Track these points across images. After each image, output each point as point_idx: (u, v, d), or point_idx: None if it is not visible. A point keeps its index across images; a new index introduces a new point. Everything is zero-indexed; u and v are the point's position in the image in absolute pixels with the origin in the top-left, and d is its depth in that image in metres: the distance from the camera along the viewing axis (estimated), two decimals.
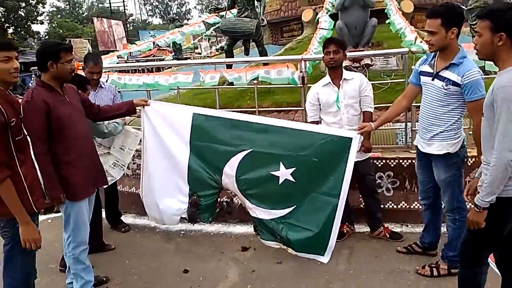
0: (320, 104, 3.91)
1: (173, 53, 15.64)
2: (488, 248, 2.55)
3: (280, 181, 3.41)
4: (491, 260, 2.71)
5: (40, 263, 2.97)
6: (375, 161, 4.34)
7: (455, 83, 2.99)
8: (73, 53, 3.18)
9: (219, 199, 3.63)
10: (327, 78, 3.90)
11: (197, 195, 3.57)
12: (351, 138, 3.35)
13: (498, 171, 2.23)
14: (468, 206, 3.11)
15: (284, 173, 3.41)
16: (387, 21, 7.03)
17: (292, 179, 3.40)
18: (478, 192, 2.39)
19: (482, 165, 2.45)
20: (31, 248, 2.57)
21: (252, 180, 3.47)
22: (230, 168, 3.47)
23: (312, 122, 3.95)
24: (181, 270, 3.75)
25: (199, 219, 3.61)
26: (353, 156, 3.33)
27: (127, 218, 4.95)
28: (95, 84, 4.18)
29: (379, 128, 3.74)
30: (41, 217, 5.17)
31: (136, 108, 3.55)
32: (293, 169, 3.39)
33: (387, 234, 4.06)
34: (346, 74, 3.88)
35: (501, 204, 2.31)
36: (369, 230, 4.17)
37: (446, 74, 3.03)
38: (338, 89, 3.83)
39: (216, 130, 3.55)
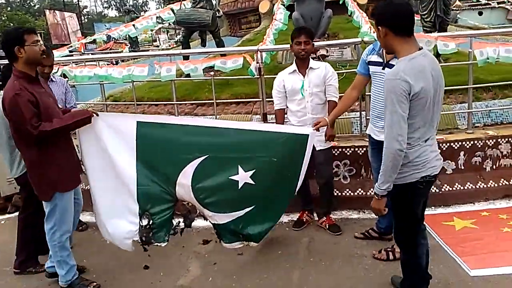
0: (286, 92, 3.95)
1: (130, 46, 15.28)
2: (414, 230, 2.67)
3: (240, 186, 3.30)
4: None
5: None
6: (332, 150, 4.41)
7: None
8: (38, 35, 3.05)
9: (173, 221, 3.39)
10: (293, 66, 3.96)
11: (149, 213, 3.28)
12: (308, 135, 3.39)
13: (388, 160, 2.36)
14: None
15: (243, 177, 3.29)
16: (352, 16, 7.13)
17: (252, 182, 3.30)
18: None
19: None
20: None
21: (210, 188, 3.30)
22: (185, 178, 3.26)
23: (279, 110, 4.00)
24: (141, 266, 3.69)
25: (153, 240, 3.31)
26: (309, 151, 3.40)
27: (84, 216, 4.77)
28: (46, 77, 4.03)
29: None
30: None
31: None
32: (253, 171, 3.29)
33: (327, 225, 4.10)
34: (312, 63, 3.92)
35: (400, 190, 2.48)
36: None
37: (396, 62, 3.09)
38: (304, 77, 3.87)
39: (166, 138, 3.30)
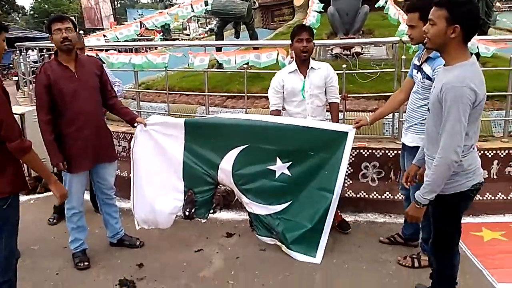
0: (284, 92, 3.75)
1: (162, 34, 15.36)
2: (456, 240, 2.59)
3: (277, 175, 3.50)
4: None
5: (21, 244, 2.91)
6: (361, 151, 4.35)
7: (428, 77, 2.96)
8: (63, 23, 3.24)
9: (216, 193, 3.73)
10: (293, 65, 3.75)
11: (192, 191, 3.62)
12: (347, 132, 3.38)
13: (440, 171, 2.24)
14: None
15: (280, 167, 3.49)
16: (385, 12, 6.99)
17: (288, 173, 3.49)
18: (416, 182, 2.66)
19: (426, 158, 2.49)
20: (63, 201, 2.83)
21: (248, 175, 3.55)
22: (227, 163, 3.54)
23: (275, 111, 3.79)
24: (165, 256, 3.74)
25: (195, 216, 3.69)
26: (349, 150, 3.38)
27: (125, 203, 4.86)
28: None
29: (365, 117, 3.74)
30: (23, 198, 5.10)
31: (135, 123, 3.62)
32: (290, 163, 3.48)
33: (336, 222, 3.96)
34: (313, 63, 3.75)
35: (451, 200, 2.39)
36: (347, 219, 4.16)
37: (425, 67, 3.01)
38: (304, 77, 3.70)
39: (211, 128, 3.62)
